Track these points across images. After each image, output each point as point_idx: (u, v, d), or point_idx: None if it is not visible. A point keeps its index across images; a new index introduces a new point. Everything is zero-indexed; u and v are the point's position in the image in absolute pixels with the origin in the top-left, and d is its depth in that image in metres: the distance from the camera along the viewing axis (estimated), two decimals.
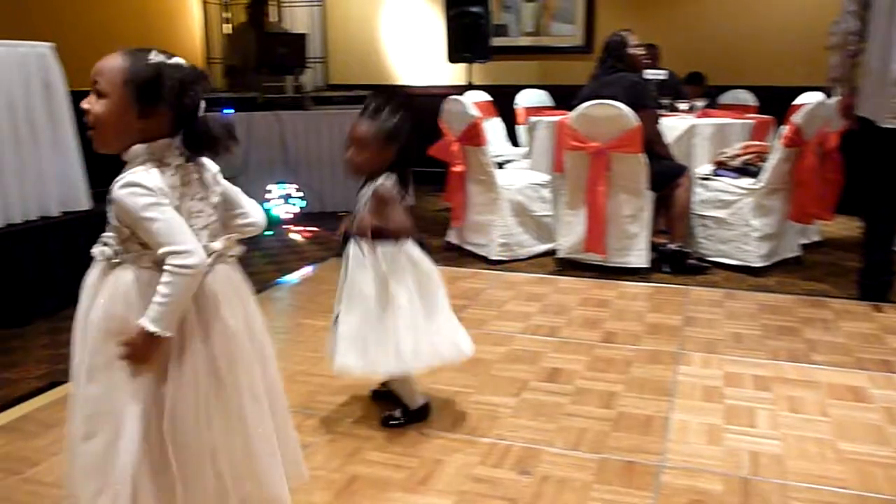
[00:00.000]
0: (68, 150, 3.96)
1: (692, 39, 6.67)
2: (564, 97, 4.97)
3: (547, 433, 2.47)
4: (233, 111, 5.98)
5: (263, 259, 4.75)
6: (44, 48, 3.83)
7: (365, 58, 7.83)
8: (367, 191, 2.34)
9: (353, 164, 2.36)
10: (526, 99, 6.31)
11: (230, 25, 7.74)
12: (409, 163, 2.40)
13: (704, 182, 4.44)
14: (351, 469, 2.26)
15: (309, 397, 2.75)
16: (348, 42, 7.86)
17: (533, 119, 5.23)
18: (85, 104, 1.53)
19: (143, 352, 1.48)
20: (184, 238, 1.48)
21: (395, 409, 2.55)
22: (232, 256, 1.66)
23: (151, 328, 1.46)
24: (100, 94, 1.51)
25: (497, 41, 7.10)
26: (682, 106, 5.04)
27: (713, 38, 6.66)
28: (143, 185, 1.47)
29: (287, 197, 5.87)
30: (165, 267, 1.46)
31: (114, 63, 1.51)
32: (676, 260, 4.32)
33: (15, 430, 2.52)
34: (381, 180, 2.32)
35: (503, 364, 3.05)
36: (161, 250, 1.47)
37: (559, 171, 4.59)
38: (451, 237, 4.92)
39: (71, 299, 3.77)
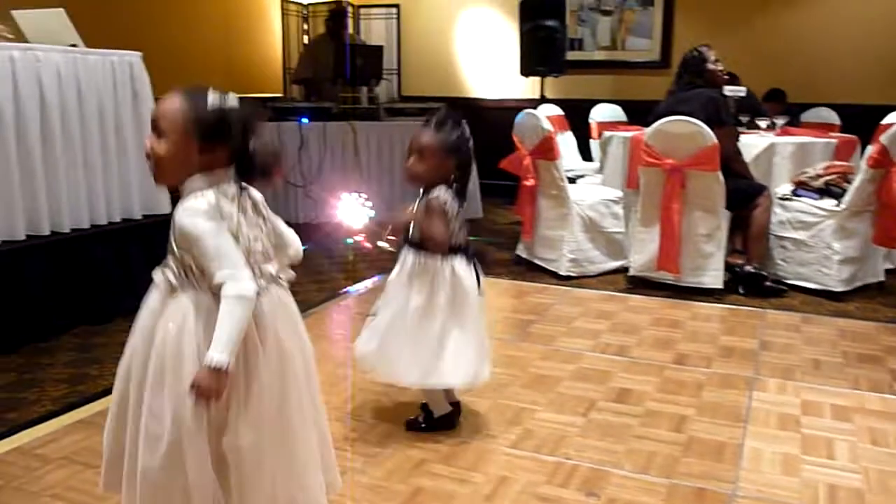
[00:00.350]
0: None
1: (772, 56, 6.52)
2: (639, 112, 4.92)
3: (615, 455, 2.42)
4: (308, 121, 6.09)
5: (333, 267, 4.80)
6: (133, 57, 3.97)
7: (438, 70, 7.88)
8: (423, 201, 2.37)
9: (412, 174, 2.39)
10: (600, 113, 6.25)
11: (308, 37, 7.89)
12: (467, 177, 2.41)
13: (784, 202, 4.31)
14: (415, 482, 2.26)
15: (375, 406, 2.76)
16: (422, 54, 7.92)
17: (607, 134, 5.18)
18: (147, 143, 1.59)
19: (213, 388, 1.50)
20: (238, 265, 1.52)
21: (420, 414, 2.57)
22: (284, 280, 1.71)
23: (216, 363, 1.48)
24: (161, 134, 1.56)
25: (571, 55, 7.06)
26: (762, 123, 4.92)
27: (794, 54, 6.49)
28: (201, 209, 1.53)
29: (359, 206, 5.92)
30: (222, 295, 1.50)
31: (175, 106, 1.56)
32: (752, 282, 4.20)
33: (93, 424, 2.59)
34: (436, 192, 2.33)
35: (571, 382, 3.01)
36: (217, 277, 1.51)
37: (632, 187, 4.52)
38: (521, 251, 4.89)
39: None
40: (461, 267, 2.37)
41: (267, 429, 1.61)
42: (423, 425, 2.54)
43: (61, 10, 3.74)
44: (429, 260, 2.36)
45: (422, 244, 2.37)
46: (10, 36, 3.52)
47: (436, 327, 2.35)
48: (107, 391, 2.86)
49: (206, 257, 1.52)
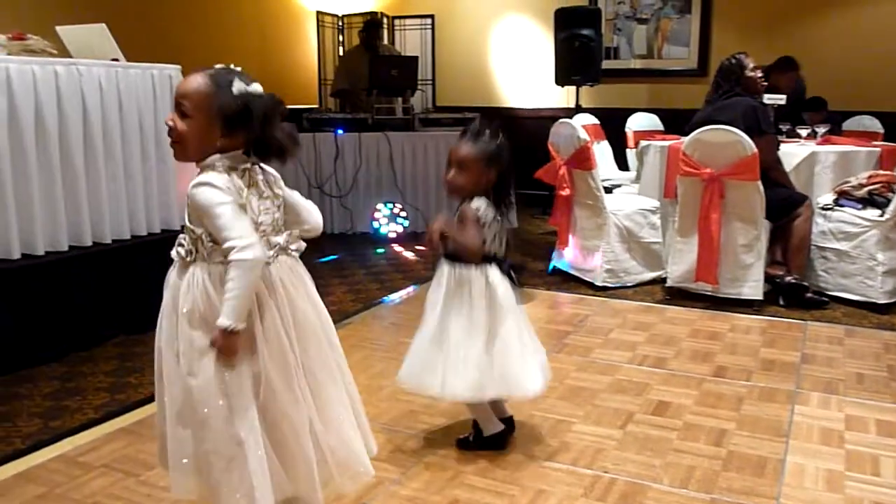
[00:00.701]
0: (192, 167, 4.14)
1: (812, 63, 6.40)
2: (675, 121, 4.88)
3: (653, 469, 2.39)
4: (343, 132, 6.14)
5: (369, 277, 4.82)
6: (172, 70, 4.03)
7: (473, 80, 7.90)
8: (457, 211, 2.38)
9: (453, 186, 2.37)
10: (636, 122, 6.21)
11: (343, 48, 7.95)
12: (508, 186, 2.39)
13: (826, 212, 4.23)
14: (451, 493, 2.25)
15: (411, 417, 2.76)
16: (457, 64, 7.95)
17: (643, 143, 5.14)
18: (169, 121, 1.65)
19: (228, 346, 1.60)
20: (246, 232, 1.59)
21: (471, 432, 2.54)
22: (294, 250, 1.78)
23: (227, 324, 1.57)
24: (185, 115, 1.62)
25: (607, 64, 7.04)
26: (803, 132, 4.84)
27: (835, 61, 6.39)
28: (213, 184, 1.60)
29: (393, 216, 5.96)
30: (229, 260, 1.57)
31: (200, 88, 1.62)
32: (793, 293, 4.13)
33: (133, 433, 2.62)
34: (473, 202, 2.32)
35: (608, 394, 2.98)
36: (226, 244, 1.58)
37: (670, 196, 4.48)
38: (556, 261, 4.86)
39: None
40: (495, 276, 2.35)
41: (298, 386, 1.68)
42: (471, 442, 2.52)
43: (103, 25, 3.81)
44: (463, 270, 2.35)
45: (456, 255, 2.36)
46: (54, 51, 3.59)
47: (478, 340, 2.32)
48: (147, 399, 2.90)
49: (216, 227, 1.59)
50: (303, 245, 1.82)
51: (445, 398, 2.38)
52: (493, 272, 2.35)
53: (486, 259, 2.35)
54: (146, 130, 3.87)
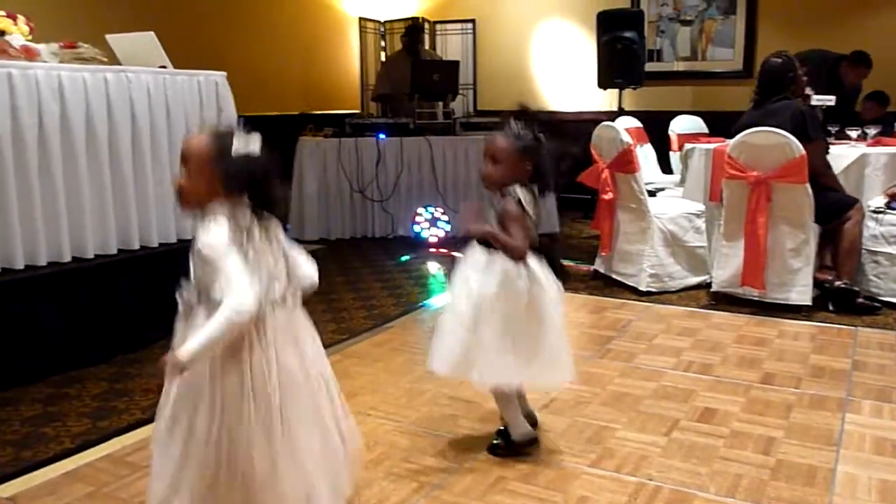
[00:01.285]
0: None
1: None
2: (720, 123, 4.81)
3: (699, 477, 2.35)
4: (385, 136, 6.16)
5: (410, 281, 4.83)
6: (218, 76, 4.09)
7: (514, 84, 7.88)
8: (497, 205, 2.34)
9: (487, 178, 2.36)
10: (680, 125, 6.13)
11: (385, 53, 8.00)
12: (544, 179, 2.34)
13: (877, 216, 4.13)
14: (492, 499, 2.24)
15: (453, 421, 2.75)
16: (498, 68, 7.94)
17: (688, 146, 5.07)
18: (177, 179, 1.74)
19: (165, 371, 1.64)
20: (242, 289, 1.62)
21: (497, 438, 2.53)
22: (289, 302, 1.80)
23: (180, 357, 1.60)
24: (189, 172, 1.70)
25: (650, 66, 6.97)
26: (853, 133, 4.74)
27: (885, 60, 6.23)
28: (219, 235, 1.66)
29: (434, 220, 5.96)
30: (221, 309, 1.60)
31: (203, 148, 1.70)
32: (843, 298, 4.04)
33: None
34: (511, 194, 2.29)
35: (652, 400, 2.94)
36: (221, 293, 1.62)
37: (715, 200, 4.41)
38: (599, 266, 4.82)
39: None
40: (538, 272, 2.32)
41: (270, 436, 1.71)
42: (503, 448, 2.50)
43: (151, 33, 3.88)
44: (502, 263, 2.30)
45: (502, 247, 2.31)
46: (104, 59, 3.67)
47: (515, 324, 2.29)
48: None
49: (216, 276, 1.64)
50: (299, 295, 1.84)
51: (483, 385, 2.37)
52: (537, 267, 2.32)
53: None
54: None
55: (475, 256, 2.36)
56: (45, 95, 3.25)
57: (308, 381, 1.80)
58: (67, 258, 3.37)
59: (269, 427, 1.70)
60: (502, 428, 2.53)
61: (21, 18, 3.45)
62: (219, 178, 1.67)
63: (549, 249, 2.40)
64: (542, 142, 2.31)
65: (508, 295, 2.28)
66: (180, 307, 1.76)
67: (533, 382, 2.41)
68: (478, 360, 2.29)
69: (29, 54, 3.33)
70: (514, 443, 2.49)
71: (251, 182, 1.69)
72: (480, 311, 2.29)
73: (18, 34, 3.39)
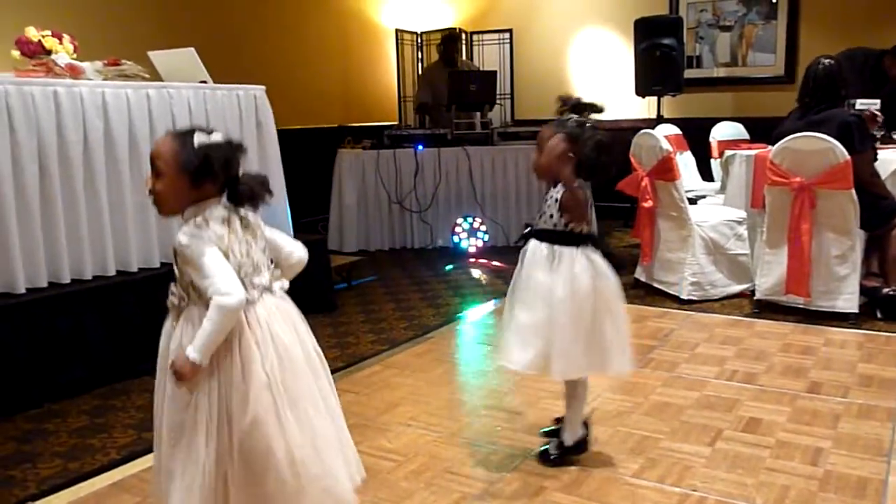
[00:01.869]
0: (275, 185, 4.23)
1: None
2: (762, 129, 4.73)
3: (745, 488, 2.31)
4: (423, 147, 6.19)
5: (449, 291, 4.83)
6: (257, 90, 4.15)
7: (552, 93, 7.71)
8: (551, 195, 2.38)
9: (535, 167, 2.41)
10: (721, 132, 6.05)
11: (422, 65, 8.03)
12: (584, 166, 2.33)
13: None
14: None
15: (494, 432, 2.74)
16: (535, 78, 7.92)
17: (729, 153, 5.00)
18: (147, 182, 1.79)
19: (185, 374, 1.67)
20: (226, 280, 1.67)
21: (552, 444, 2.51)
22: (279, 289, 1.85)
23: (192, 356, 1.65)
24: (158, 174, 1.75)
25: (689, 73, 6.90)
26: None
27: None
28: (197, 235, 1.70)
29: (473, 230, 5.96)
30: (211, 304, 1.65)
31: (167, 147, 1.74)
32: (892, 306, 3.94)
33: None
34: (578, 186, 2.32)
35: (695, 410, 2.90)
36: (208, 290, 1.67)
37: (757, 207, 4.34)
38: (640, 274, 4.77)
39: None
40: (596, 255, 2.35)
41: (278, 419, 1.71)
42: (557, 455, 2.48)
43: (192, 49, 3.95)
44: (564, 249, 2.33)
45: (555, 234, 2.34)
46: (146, 75, 3.74)
47: (587, 316, 2.30)
48: None
49: (199, 275, 1.68)
50: (286, 283, 1.88)
51: (553, 376, 2.37)
52: (591, 251, 2.35)
53: (584, 239, 2.34)
54: None
55: (538, 252, 2.38)
56: (90, 112, 3.32)
57: (309, 361, 1.83)
58: (112, 272, 3.43)
59: (275, 410, 1.72)
60: (554, 429, 2.52)
61: (66, 38, 3.53)
62: (183, 171, 1.71)
63: (602, 243, 2.41)
64: (584, 129, 2.33)
65: (576, 290, 2.30)
66: (169, 307, 1.80)
67: (603, 371, 2.40)
68: (554, 355, 2.31)
69: (74, 72, 3.41)
70: (566, 448, 2.47)
71: (215, 169, 1.72)
72: (552, 308, 2.31)
73: (64, 53, 3.47)
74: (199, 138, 1.72)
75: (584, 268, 2.31)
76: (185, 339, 1.72)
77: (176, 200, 1.76)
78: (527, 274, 2.39)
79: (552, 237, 2.36)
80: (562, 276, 2.31)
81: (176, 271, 1.76)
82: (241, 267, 1.74)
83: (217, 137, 1.76)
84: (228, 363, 1.71)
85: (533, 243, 2.40)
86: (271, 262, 1.86)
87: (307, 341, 1.86)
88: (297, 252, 1.94)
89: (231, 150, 1.76)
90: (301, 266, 1.95)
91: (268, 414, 1.71)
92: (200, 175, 1.72)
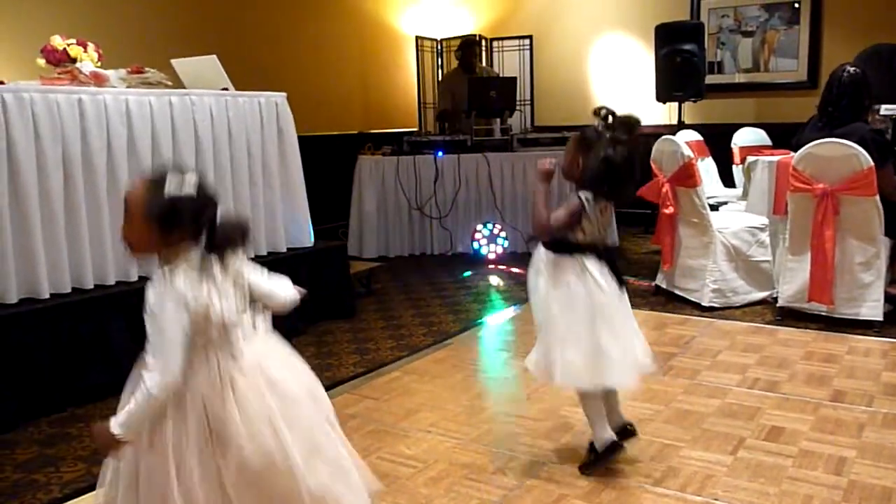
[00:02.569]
0: (296, 191, 4.28)
1: None
2: (784, 136, 4.68)
3: (767, 497, 2.28)
4: (443, 153, 6.19)
5: (469, 298, 4.83)
6: (278, 97, 4.18)
7: (571, 99, 7.84)
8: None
9: (561, 167, 2.46)
10: (742, 138, 6.01)
11: (442, 71, 8.05)
12: (588, 175, 2.35)
13: None
14: None
15: (513, 439, 2.73)
16: (555, 84, 7.91)
17: (751, 159, 4.97)
18: (122, 227, 1.72)
19: (106, 446, 1.62)
20: (165, 356, 1.60)
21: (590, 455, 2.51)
22: (259, 330, 1.79)
23: (116, 431, 1.59)
24: (128, 219, 1.70)
25: (711, 78, 6.86)
26: None
27: None
28: (161, 295, 1.63)
29: (493, 236, 5.95)
30: (142, 381, 1.60)
31: (137, 195, 1.68)
32: None
33: None
34: (581, 193, 2.37)
35: (716, 418, 2.87)
36: (148, 361, 1.61)
37: (780, 213, 4.30)
38: (661, 281, 4.75)
39: (292, 330, 3.99)
40: (592, 265, 2.35)
41: (284, 454, 1.67)
42: (592, 463, 2.47)
43: (214, 56, 3.99)
44: (560, 257, 2.37)
45: (553, 241, 2.39)
46: (169, 83, 3.78)
47: (580, 326, 2.32)
48: None
49: (149, 336, 1.62)
50: (269, 319, 1.84)
51: (561, 385, 2.42)
52: (591, 261, 2.35)
53: (583, 249, 2.36)
54: (254, 156, 4.01)
55: (541, 257, 2.42)
56: (114, 119, 3.36)
57: (309, 393, 1.80)
58: (135, 277, 3.46)
59: (286, 453, 1.67)
60: (591, 442, 2.51)
61: (91, 46, 3.58)
62: (150, 219, 1.64)
63: (610, 255, 2.42)
64: (600, 140, 2.33)
65: (567, 299, 2.33)
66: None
67: (603, 383, 2.38)
68: (553, 363, 2.34)
69: (98, 80, 3.46)
70: (599, 454, 2.45)
71: (184, 221, 1.65)
72: (548, 315, 2.37)
73: (88, 61, 3.52)
74: (169, 187, 1.64)
75: (576, 277, 2.34)
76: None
77: (146, 246, 1.71)
78: (531, 279, 2.45)
79: (551, 244, 2.40)
80: (554, 284, 2.36)
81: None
82: (222, 314, 1.68)
83: (190, 184, 1.66)
84: (223, 420, 1.64)
85: (539, 249, 2.44)
86: (253, 301, 1.80)
87: (300, 371, 1.83)
88: (282, 295, 1.86)
89: (202, 201, 1.68)
90: (288, 308, 1.87)
91: (281, 459, 1.67)
92: (168, 225, 1.65)
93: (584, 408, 2.48)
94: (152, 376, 1.59)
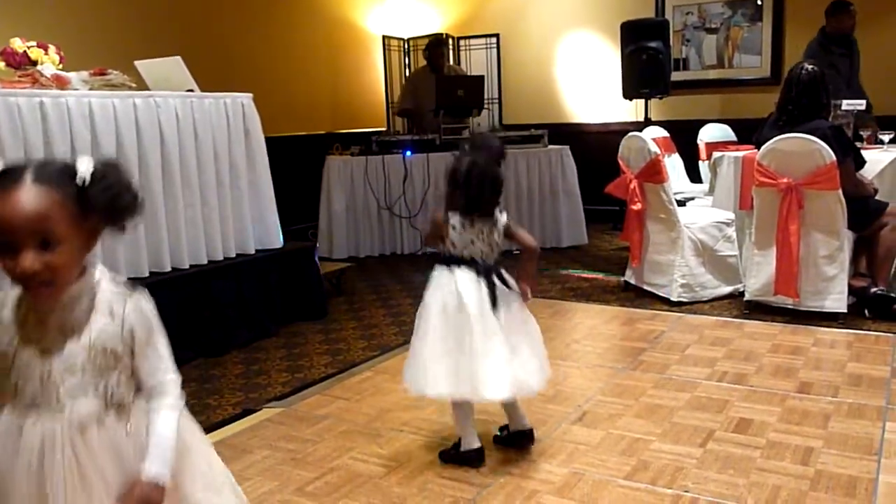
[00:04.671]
0: (264, 193, 4.25)
1: (893, 67, 6.21)
2: (749, 131, 4.74)
3: (737, 488, 2.31)
4: (411, 153, 6.19)
5: None
6: (244, 98, 4.15)
7: (539, 97, 7.88)
8: None
9: None
10: (708, 134, 6.08)
11: (409, 70, 8.04)
12: (469, 201, 2.42)
13: None
14: None
15: (484, 437, 2.73)
16: (523, 82, 7.94)
17: (717, 154, 5.02)
18: (33, 265, 1.28)
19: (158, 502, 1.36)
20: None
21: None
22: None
23: (159, 480, 1.36)
24: (54, 239, 1.29)
25: (676, 75, 6.93)
26: (885, 137, 4.66)
27: None
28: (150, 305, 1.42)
29: None
30: (171, 398, 1.46)
31: (49, 198, 1.29)
32: (880, 305, 3.96)
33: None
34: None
35: (686, 411, 2.90)
36: (166, 376, 1.46)
37: (746, 208, 4.36)
38: (629, 277, 4.79)
39: (263, 332, 3.97)
40: (463, 279, 2.39)
41: None
42: (450, 453, 2.55)
43: (178, 57, 3.95)
44: (437, 270, 2.47)
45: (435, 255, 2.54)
46: (133, 85, 3.73)
47: (446, 338, 2.37)
48: (225, 421, 2.96)
49: (156, 354, 1.43)
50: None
51: (435, 398, 2.46)
52: (462, 274, 2.40)
53: (454, 261, 2.43)
54: (220, 158, 3.98)
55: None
56: (77, 122, 3.32)
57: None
58: None
59: None
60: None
61: (52, 48, 3.53)
62: (92, 216, 1.32)
63: (489, 271, 2.44)
64: (460, 159, 2.45)
65: (439, 310, 2.40)
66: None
67: (463, 394, 2.39)
68: (424, 373, 2.40)
69: (60, 82, 3.40)
70: (461, 453, 2.52)
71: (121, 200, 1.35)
72: (419, 324, 2.45)
73: (50, 63, 3.47)
74: (81, 170, 1.33)
75: (447, 290, 2.40)
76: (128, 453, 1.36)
77: (77, 265, 1.34)
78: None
79: (435, 255, 2.55)
80: (430, 294, 2.45)
81: (86, 364, 1.33)
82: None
83: (89, 164, 1.35)
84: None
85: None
86: None
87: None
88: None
89: (126, 177, 1.42)
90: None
91: None
92: (113, 216, 1.37)
93: (454, 414, 2.54)
94: (177, 391, 1.44)
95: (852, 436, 2.64)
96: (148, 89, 3.87)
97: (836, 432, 2.68)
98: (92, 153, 3.36)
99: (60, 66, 3.53)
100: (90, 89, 3.50)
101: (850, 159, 3.91)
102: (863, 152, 4.13)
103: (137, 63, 4.02)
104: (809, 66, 4.07)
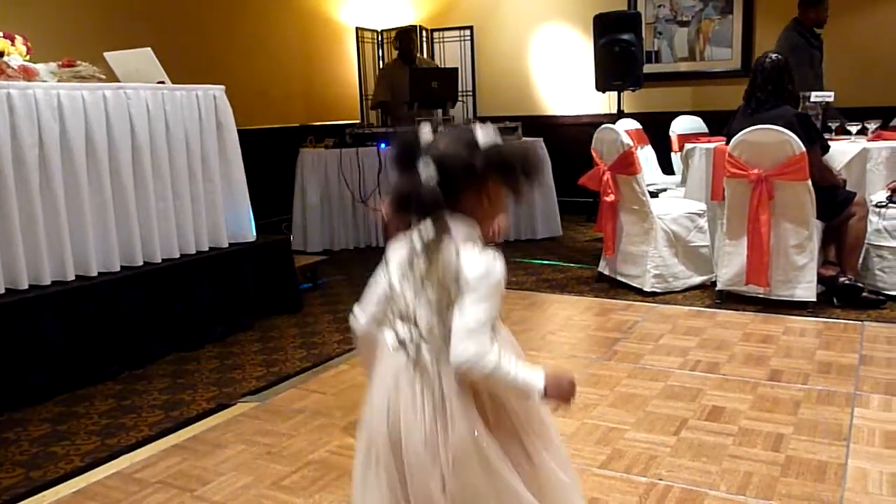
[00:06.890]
0: (237, 185, 4.22)
1: (862, 59, 6.29)
2: (720, 123, 4.79)
3: (710, 475, 2.34)
4: (385, 145, 6.17)
5: None
6: (216, 90, 4.10)
7: (513, 89, 7.89)
8: None
9: None
10: (680, 126, 6.13)
11: (382, 62, 8.01)
12: None
13: (880, 210, 4.12)
14: None
15: None
16: (497, 74, 7.94)
17: (689, 146, 5.06)
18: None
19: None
20: None
21: None
22: None
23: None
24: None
25: (649, 67, 6.98)
26: (853, 128, 4.73)
27: (886, 56, 6.24)
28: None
29: None
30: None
31: None
32: (848, 293, 4.03)
33: (187, 448, 2.66)
34: None
35: (660, 400, 2.94)
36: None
37: (717, 199, 4.40)
38: (603, 268, 4.82)
39: (237, 326, 3.95)
40: None
41: None
42: None
43: (148, 49, 3.90)
44: None
45: None
46: (103, 76, 3.68)
47: None
48: (199, 416, 2.94)
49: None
50: None
51: None
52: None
53: None
54: (192, 150, 3.94)
55: None
56: (45, 114, 3.26)
57: None
58: (71, 276, 3.37)
59: None
60: None
61: (19, 39, 3.47)
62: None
63: None
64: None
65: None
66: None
67: None
68: None
69: (27, 74, 3.35)
70: None
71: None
72: None
73: (17, 54, 3.41)
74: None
75: None
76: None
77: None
78: None
79: None
80: None
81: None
82: None
83: None
84: None
85: None
86: None
87: None
88: None
89: None
90: None
91: None
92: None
93: None
94: None
95: (822, 422, 2.69)
96: (118, 81, 3.82)
97: (806, 419, 2.72)
98: (61, 146, 3.32)
99: (28, 58, 3.48)
100: (58, 81, 3.45)
101: (817, 146, 3.97)
102: (831, 143, 4.19)
103: (107, 54, 3.97)
104: (774, 56, 4.16)
